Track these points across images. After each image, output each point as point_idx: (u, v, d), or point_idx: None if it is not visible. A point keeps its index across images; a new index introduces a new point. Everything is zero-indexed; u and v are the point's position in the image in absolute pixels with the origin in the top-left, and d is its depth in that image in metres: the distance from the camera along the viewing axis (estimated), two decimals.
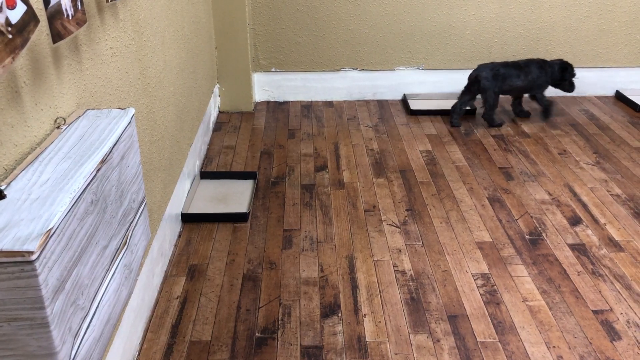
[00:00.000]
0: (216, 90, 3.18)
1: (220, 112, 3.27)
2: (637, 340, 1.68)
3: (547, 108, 3.07)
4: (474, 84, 2.99)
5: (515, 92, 3.06)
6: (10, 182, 0.96)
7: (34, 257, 0.82)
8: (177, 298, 1.86)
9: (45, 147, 1.07)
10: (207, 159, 2.75)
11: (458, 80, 3.37)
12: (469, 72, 3.21)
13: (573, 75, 3.03)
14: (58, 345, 0.90)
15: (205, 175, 2.55)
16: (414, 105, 3.27)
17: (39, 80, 1.08)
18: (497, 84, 2.94)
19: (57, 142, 1.10)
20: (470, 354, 1.64)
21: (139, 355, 1.65)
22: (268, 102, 3.41)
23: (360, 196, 2.41)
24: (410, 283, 1.91)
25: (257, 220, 2.26)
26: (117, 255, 1.18)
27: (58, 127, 1.15)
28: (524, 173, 2.58)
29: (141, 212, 1.34)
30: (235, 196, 2.42)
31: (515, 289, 1.89)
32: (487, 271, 1.97)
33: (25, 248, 0.81)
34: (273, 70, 3.37)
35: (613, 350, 1.65)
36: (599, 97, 3.42)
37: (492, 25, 3.28)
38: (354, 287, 1.90)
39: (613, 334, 1.71)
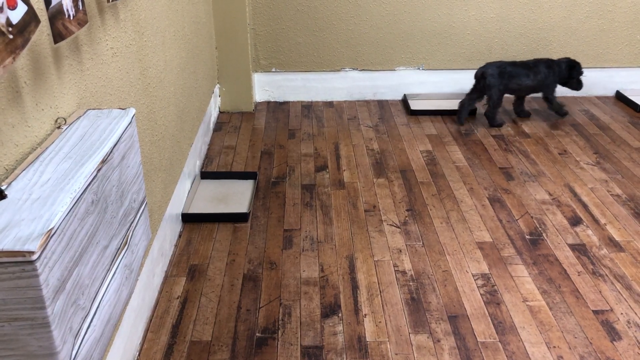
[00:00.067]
0: (216, 90, 3.18)
1: (220, 112, 3.27)
2: (637, 341, 1.68)
3: (559, 111, 3.09)
4: (479, 81, 3.00)
5: (523, 92, 3.06)
6: (11, 182, 0.96)
7: (34, 257, 0.82)
8: (178, 298, 1.86)
9: (46, 147, 1.07)
10: (208, 159, 2.75)
11: (458, 81, 3.37)
12: (469, 72, 3.22)
13: (581, 73, 3.04)
14: (59, 345, 0.90)
15: (205, 175, 2.56)
16: (414, 105, 3.27)
17: (39, 80, 1.08)
18: (503, 82, 2.94)
19: (57, 142, 1.10)
20: (471, 354, 1.64)
21: (139, 355, 1.65)
22: (268, 102, 3.41)
23: (360, 196, 2.41)
24: (411, 283, 1.91)
25: (257, 221, 2.26)
26: (117, 255, 1.18)
27: (59, 127, 1.15)
28: (525, 173, 2.58)
29: (142, 212, 1.34)
30: (236, 196, 2.42)
31: (516, 289, 1.89)
32: (487, 271, 1.97)
33: (26, 248, 0.81)
34: (273, 70, 3.37)
35: (613, 351, 1.65)
36: (599, 97, 3.42)
37: (493, 25, 3.28)
38: (355, 287, 1.90)
39: (613, 334, 1.71)
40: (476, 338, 1.69)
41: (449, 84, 3.40)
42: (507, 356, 1.63)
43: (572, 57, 3.34)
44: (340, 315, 1.78)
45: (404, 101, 3.36)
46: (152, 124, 1.83)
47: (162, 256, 1.93)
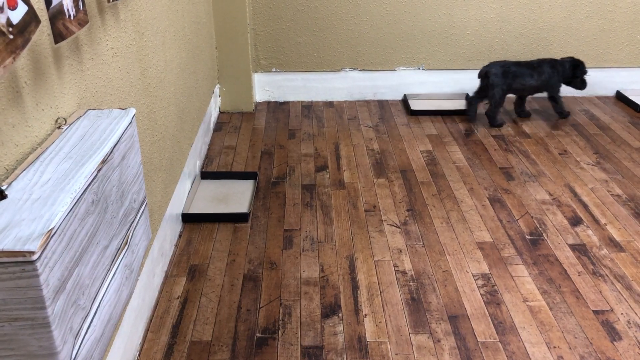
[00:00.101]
0: (217, 90, 3.18)
1: (220, 112, 3.27)
2: (637, 341, 1.68)
3: (562, 112, 3.09)
4: (483, 80, 3.00)
5: (526, 92, 3.06)
6: (12, 182, 0.96)
7: (35, 257, 0.82)
8: (178, 298, 1.86)
9: (46, 147, 1.07)
10: (208, 159, 2.75)
11: (458, 81, 3.37)
12: (469, 72, 3.22)
13: (584, 72, 3.04)
14: (59, 345, 0.90)
15: (205, 175, 2.56)
16: (415, 105, 3.27)
17: (40, 81, 1.08)
18: (506, 81, 2.94)
19: (58, 142, 1.10)
20: (471, 354, 1.64)
21: (139, 355, 1.65)
22: (268, 102, 3.41)
23: (360, 196, 2.41)
24: (411, 283, 1.91)
25: (257, 221, 2.26)
26: (118, 255, 1.18)
27: (59, 127, 1.15)
28: (525, 173, 2.58)
29: (142, 212, 1.34)
30: (236, 196, 2.42)
31: (516, 289, 1.89)
32: (487, 271, 1.97)
33: (26, 248, 0.81)
34: (273, 70, 3.37)
35: (614, 351, 1.65)
36: (599, 98, 3.42)
37: (493, 25, 3.28)
38: (355, 287, 1.90)
39: (614, 334, 1.71)
40: (476, 338, 1.69)
41: (449, 84, 3.40)
42: (507, 356, 1.63)
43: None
44: (340, 315, 1.78)
45: (404, 101, 3.36)
46: (152, 124, 1.83)
47: (162, 256, 1.93)
